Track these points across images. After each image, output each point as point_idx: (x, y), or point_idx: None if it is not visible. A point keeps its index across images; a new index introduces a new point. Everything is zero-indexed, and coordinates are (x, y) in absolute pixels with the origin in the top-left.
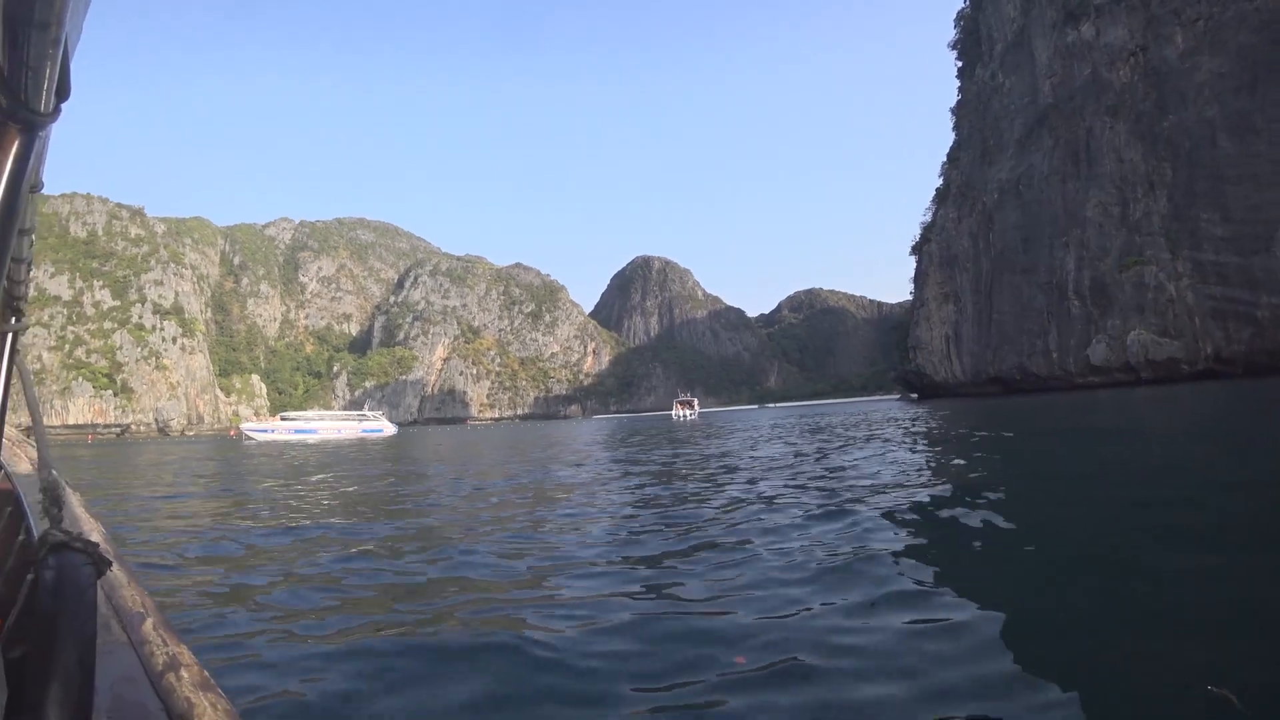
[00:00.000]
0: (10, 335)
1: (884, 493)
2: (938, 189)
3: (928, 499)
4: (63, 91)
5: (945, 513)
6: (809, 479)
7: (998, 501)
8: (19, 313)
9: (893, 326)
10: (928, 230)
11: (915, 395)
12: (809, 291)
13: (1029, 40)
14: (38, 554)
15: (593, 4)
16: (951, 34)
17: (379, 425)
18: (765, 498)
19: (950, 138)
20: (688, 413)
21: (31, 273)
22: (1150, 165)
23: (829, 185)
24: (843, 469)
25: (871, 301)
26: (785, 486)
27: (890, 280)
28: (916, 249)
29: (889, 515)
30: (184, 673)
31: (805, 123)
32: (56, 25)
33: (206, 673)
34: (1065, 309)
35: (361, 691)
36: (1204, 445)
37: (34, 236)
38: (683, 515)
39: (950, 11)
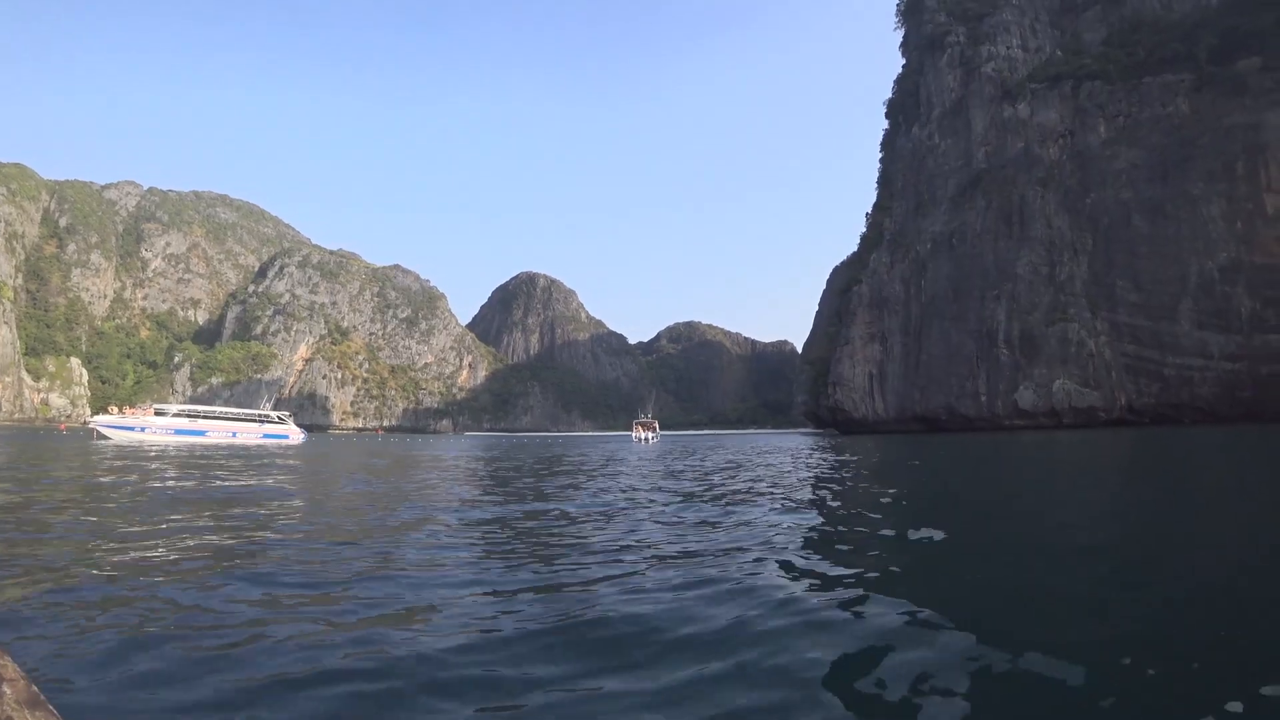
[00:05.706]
0: None
1: None
2: (863, 234)
3: None
4: None
5: None
6: None
7: None
8: None
9: (813, 361)
10: (856, 270)
11: (836, 430)
12: (688, 324)
13: (966, 109)
14: None
15: (495, 10)
16: (887, 94)
17: (285, 430)
18: None
19: (863, 189)
20: (650, 435)
21: None
22: (1075, 234)
23: (716, 219)
24: None
25: (746, 339)
26: None
27: (762, 321)
28: (844, 289)
29: None
30: (6, 688)
31: (692, 156)
32: None
33: (35, 688)
34: (995, 356)
35: None
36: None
37: None
38: None
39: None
